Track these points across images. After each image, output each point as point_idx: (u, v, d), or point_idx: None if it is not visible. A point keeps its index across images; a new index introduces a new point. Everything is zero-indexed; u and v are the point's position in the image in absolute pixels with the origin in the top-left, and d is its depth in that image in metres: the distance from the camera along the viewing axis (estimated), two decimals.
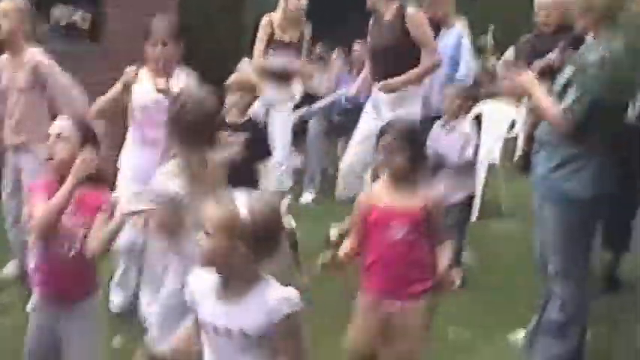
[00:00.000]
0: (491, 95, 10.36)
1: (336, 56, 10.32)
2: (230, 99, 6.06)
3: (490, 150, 8.49)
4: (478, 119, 8.18)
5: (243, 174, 5.54)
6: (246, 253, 3.03)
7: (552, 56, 6.43)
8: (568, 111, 4.78)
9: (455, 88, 6.88)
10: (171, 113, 4.37)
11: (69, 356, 4.13)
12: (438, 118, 6.95)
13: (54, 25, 9.03)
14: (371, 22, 7.30)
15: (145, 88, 5.59)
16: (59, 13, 9.03)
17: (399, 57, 7.01)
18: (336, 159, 10.02)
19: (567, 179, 4.92)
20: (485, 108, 8.96)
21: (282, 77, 8.19)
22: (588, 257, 5.17)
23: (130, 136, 5.76)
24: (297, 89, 10.88)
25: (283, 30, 8.20)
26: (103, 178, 4.16)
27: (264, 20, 8.22)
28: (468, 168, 6.75)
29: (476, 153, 6.83)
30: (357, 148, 7.37)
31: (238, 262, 3.05)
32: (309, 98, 10.27)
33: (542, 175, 5.08)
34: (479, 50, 12.53)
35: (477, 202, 8.09)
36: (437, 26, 7.59)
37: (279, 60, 8.13)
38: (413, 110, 6.95)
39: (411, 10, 6.98)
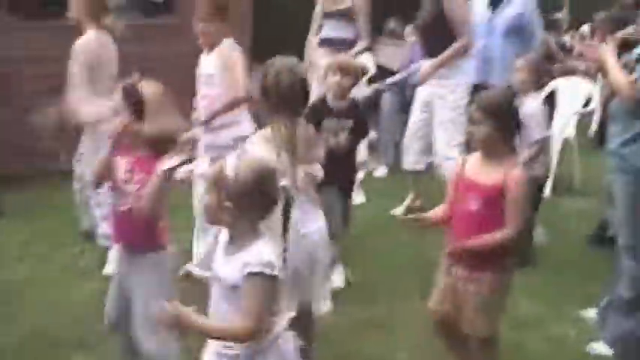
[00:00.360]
0: (567, 71, 10.29)
1: (409, 31, 10.28)
2: (330, 80, 5.99)
3: (565, 125, 8.43)
4: (552, 95, 8.14)
5: (348, 159, 5.85)
6: (233, 210, 3.28)
7: (630, 29, 6.34)
8: (638, 83, 4.75)
9: (527, 62, 6.64)
10: (265, 82, 4.37)
11: (135, 309, 4.25)
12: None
13: None
14: None
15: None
16: None
17: (437, 33, 7.14)
18: None
19: (637, 153, 4.90)
20: (560, 84, 8.88)
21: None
22: None
23: None
24: (370, 63, 10.95)
25: (330, 1, 8.13)
26: (163, 143, 4.16)
27: None
28: (537, 145, 6.51)
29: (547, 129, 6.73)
30: (415, 116, 7.54)
31: (228, 217, 3.32)
32: (382, 73, 10.28)
33: (613, 150, 5.06)
34: (554, 25, 12.47)
35: (550, 179, 8.06)
36: None
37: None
38: (459, 81, 7.17)
39: None
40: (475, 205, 4.22)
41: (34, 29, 8.14)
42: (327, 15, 8.09)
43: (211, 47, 5.88)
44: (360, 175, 8.04)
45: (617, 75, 4.91)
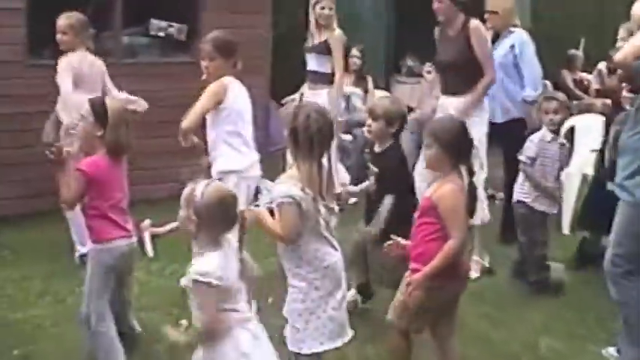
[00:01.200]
0: (584, 108, 10.31)
1: (428, 68, 10.33)
2: (373, 126, 6.03)
3: (585, 162, 8.42)
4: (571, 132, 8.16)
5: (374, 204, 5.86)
6: (198, 225, 4.00)
7: None
8: None
9: (556, 102, 6.86)
10: (295, 124, 4.55)
11: None
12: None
13: (152, 37, 9.29)
14: (437, 33, 7.42)
15: None
16: (156, 25, 9.26)
17: (462, 72, 7.16)
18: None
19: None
20: (578, 120, 8.89)
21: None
22: None
23: None
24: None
25: (312, 35, 8.52)
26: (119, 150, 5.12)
27: None
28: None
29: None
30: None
31: (194, 229, 4.03)
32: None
33: (618, 183, 5.25)
34: (570, 62, 12.50)
35: (569, 214, 8.06)
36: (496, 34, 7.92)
37: None
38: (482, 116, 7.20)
39: (474, 22, 7.10)
40: (416, 216, 4.82)
41: None
42: (307, 50, 8.51)
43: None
44: None
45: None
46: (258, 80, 9.38)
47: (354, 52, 10.51)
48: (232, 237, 4.17)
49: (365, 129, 6.15)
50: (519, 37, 7.97)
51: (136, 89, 7.64)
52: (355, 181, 7.94)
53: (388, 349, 5.25)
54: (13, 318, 6.11)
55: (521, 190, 6.88)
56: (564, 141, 6.97)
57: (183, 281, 4.01)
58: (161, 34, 9.35)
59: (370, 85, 10.78)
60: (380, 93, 11.13)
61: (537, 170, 6.77)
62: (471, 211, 4.81)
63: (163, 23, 9.35)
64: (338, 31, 8.42)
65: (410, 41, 11.92)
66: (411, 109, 10.20)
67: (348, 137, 9.70)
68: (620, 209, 5.24)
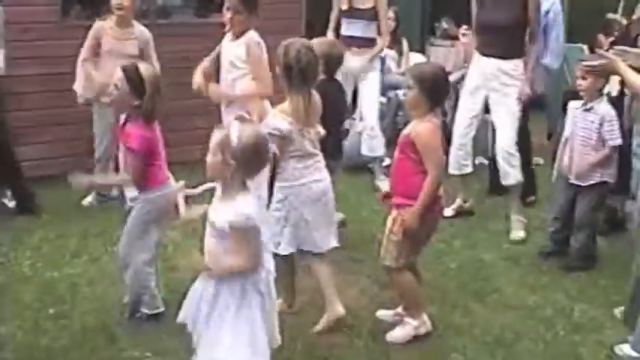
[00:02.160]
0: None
1: (463, 31, 10.26)
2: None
3: None
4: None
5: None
6: (235, 168, 3.98)
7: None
8: None
9: (585, 66, 6.45)
10: (287, 59, 5.12)
11: None
12: None
13: None
14: None
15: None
16: None
17: (516, 33, 7.17)
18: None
19: None
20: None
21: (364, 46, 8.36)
22: None
23: None
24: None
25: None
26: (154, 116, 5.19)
27: None
28: (609, 153, 6.48)
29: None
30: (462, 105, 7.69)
31: (229, 174, 4.01)
32: None
33: (634, 149, 5.25)
34: (605, 27, 12.33)
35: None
36: None
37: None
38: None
39: None
40: (397, 153, 5.17)
41: None
42: (350, 13, 8.32)
43: (238, 36, 6.26)
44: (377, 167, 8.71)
45: (633, 76, 5.18)
46: (295, 26, 9.36)
47: (390, 13, 10.44)
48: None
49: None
50: (554, 3, 7.90)
51: (170, 50, 7.67)
52: (388, 143, 8.01)
53: (399, 293, 5.48)
54: (49, 277, 6.17)
55: None
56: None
57: (219, 222, 4.01)
58: None
59: (405, 47, 10.76)
60: (415, 55, 11.09)
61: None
62: (445, 150, 5.33)
63: None
64: None
65: (445, 3, 11.84)
66: (448, 73, 10.14)
67: (382, 99, 9.67)
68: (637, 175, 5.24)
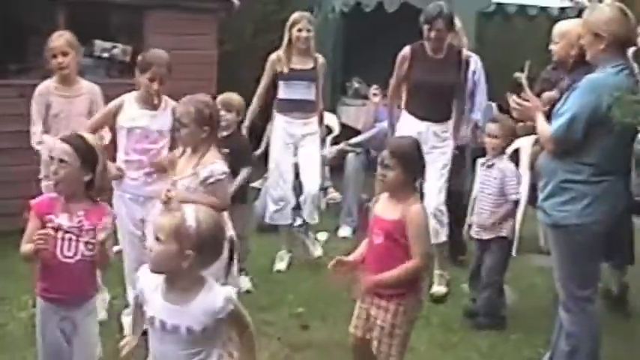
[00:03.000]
0: (529, 130, 10.40)
1: (374, 90, 10.39)
2: (229, 116, 7.11)
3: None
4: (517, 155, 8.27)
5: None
6: (192, 258, 3.56)
7: (554, 93, 6.44)
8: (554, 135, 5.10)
9: (497, 125, 6.85)
10: (201, 116, 5.31)
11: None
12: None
13: (96, 58, 9.25)
14: (407, 55, 7.43)
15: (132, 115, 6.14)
16: (101, 46, 9.25)
17: (449, 96, 7.44)
18: (374, 193, 10.11)
19: (555, 207, 5.17)
20: (523, 143, 8.98)
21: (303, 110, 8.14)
22: (590, 284, 5.32)
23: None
24: (335, 124, 11.03)
25: (290, 61, 8.08)
26: (104, 192, 4.72)
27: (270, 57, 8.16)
28: (509, 206, 6.72)
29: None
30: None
31: (185, 266, 3.57)
32: (346, 132, 10.37)
33: (538, 205, 5.39)
34: (514, 86, 12.67)
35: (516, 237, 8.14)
36: None
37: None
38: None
39: (470, 56, 7.50)
40: (379, 239, 4.78)
41: None
42: (290, 76, 8.07)
43: (158, 104, 6.14)
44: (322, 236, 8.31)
45: (543, 127, 5.25)
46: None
47: None
48: None
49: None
50: (478, 63, 8.11)
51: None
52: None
53: None
54: None
55: None
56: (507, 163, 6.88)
57: (195, 323, 3.62)
58: (105, 55, 9.34)
59: None
60: (326, 115, 11.18)
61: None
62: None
63: (108, 44, 9.34)
64: (322, 57, 8.23)
65: (356, 63, 12.01)
66: (357, 132, 10.26)
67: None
68: (548, 232, 5.37)
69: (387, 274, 4.69)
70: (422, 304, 5.08)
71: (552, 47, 6.76)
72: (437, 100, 7.35)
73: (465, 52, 7.48)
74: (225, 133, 6.83)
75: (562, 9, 11.09)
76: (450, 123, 7.47)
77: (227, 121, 6.98)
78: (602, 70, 5.05)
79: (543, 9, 11.73)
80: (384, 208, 4.86)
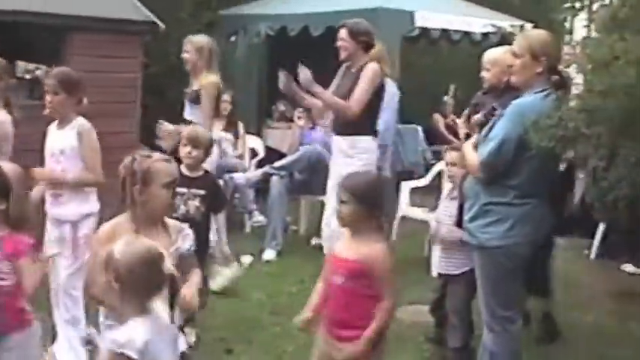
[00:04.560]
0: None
1: (299, 114, 10.53)
2: (182, 150, 6.35)
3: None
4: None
5: (199, 228, 5.62)
6: (118, 290, 3.61)
7: (481, 115, 6.58)
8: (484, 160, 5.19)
9: (458, 153, 6.46)
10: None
11: None
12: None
13: (18, 79, 9.24)
14: (340, 73, 7.64)
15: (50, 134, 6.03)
16: (23, 67, 9.25)
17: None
18: (299, 217, 10.24)
19: (479, 229, 5.25)
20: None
21: None
22: (513, 304, 5.40)
23: None
24: (260, 147, 11.16)
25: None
26: (23, 221, 4.52)
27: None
28: None
29: None
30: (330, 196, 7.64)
31: (113, 297, 3.66)
32: (271, 156, 10.48)
33: (465, 226, 5.45)
34: (441, 108, 13.05)
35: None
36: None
37: None
38: (367, 159, 7.40)
39: (372, 64, 7.35)
40: (340, 280, 4.57)
41: None
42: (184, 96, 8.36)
43: (63, 122, 5.97)
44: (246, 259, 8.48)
45: (470, 155, 5.33)
46: (128, 123, 9.44)
47: (225, 97, 10.66)
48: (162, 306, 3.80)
49: (184, 154, 6.31)
50: (387, 84, 8.27)
51: None
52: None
53: None
54: None
55: None
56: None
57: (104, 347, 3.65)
58: (28, 76, 9.34)
59: (241, 130, 10.93)
60: (251, 138, 11.32)
61: None
62: None
63: (30, 65, 9.35)
64: (210, 79, 8.24)
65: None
66: (282, 155, 10.38)
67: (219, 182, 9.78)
68: (474, 253, 5.45)
69: (369, 333, 4.51)
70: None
71: (484, 74, 6.87)
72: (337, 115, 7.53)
73: (372, 66, 7.40)
74: (195, 174, 6.32)
75: (484, 34, 11.34)
76: (362, 139, 7.45)
77: (194, 159, 6.33)
78: (529, 95, 5.17)
79: (466, 34, 12.01)
80: (346, 247, 4.68)
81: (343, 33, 7.41)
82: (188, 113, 8.29)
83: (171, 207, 4.73)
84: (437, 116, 13.20)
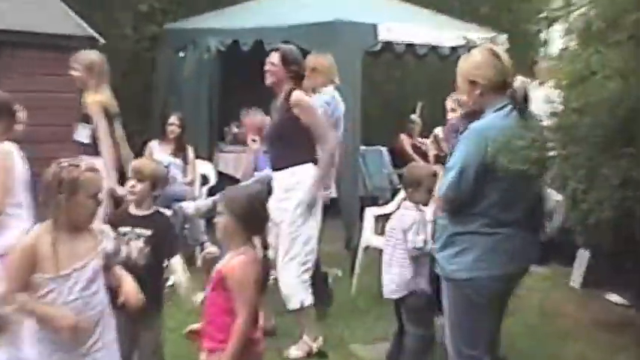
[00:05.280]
0: None
1: (253, 137, 10.49)
2: (139, 187, 6.03)
3: None
4: None
5: (148, 276, 5.61)
6: None
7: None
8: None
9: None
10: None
11: None
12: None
13: None
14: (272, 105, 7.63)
15: None
16: None
17: (284, 140, 7.34)
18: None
19: (447, 259, 5.28)
20: None
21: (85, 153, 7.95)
22: (479, 343, 5.38)
23: None
24: (211, 173, 11.12)
25: None
26: None
27: None
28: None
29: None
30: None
31: None
32: (223, 182, 10.44)
33: (434, 257, 5.49)
34: (408, 127, 13.06)
35: None
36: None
37: None
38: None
39: (296, 93, 7.25)
40: (207, 290, 4.88)
41: None
42: None
43: None
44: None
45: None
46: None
47: (173, 119, 10.64)
48: None
49: (127, 189, 6.12)
50: (334, 97, 8.30)
51: None
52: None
53: None
54: None
55: None
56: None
57: None
58: None
59: (191, 154, 10.87)
60: (202, 163, 11.26)
61: None
62: (263, 285, 4.93)
63: None
64: (97, 98, 8.14)
65: (235, 106, 12.10)
66: (236, 181, 10.34)
67: (166, 212, 9.72)
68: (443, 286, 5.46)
69: (226, 353, 4.71)
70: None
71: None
72: (272, 145, 7.54)
73: (295, 95, 7.26)
74: (142, 212, 6.01)
75: (453, 48, 11.35)
76: (301, 168, 7.33)
77: (139, 195, 5.99)
78: (487, 114, 5.21)
79: (433, 48, 11.96)
80: (224, 259, 4.93)
81: (275, 58, 7.31)
82: (78, 134, 8.17)
83: (94, 215, 4.83)
84: (403, 136, 13.20)
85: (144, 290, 5.08)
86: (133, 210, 6.00)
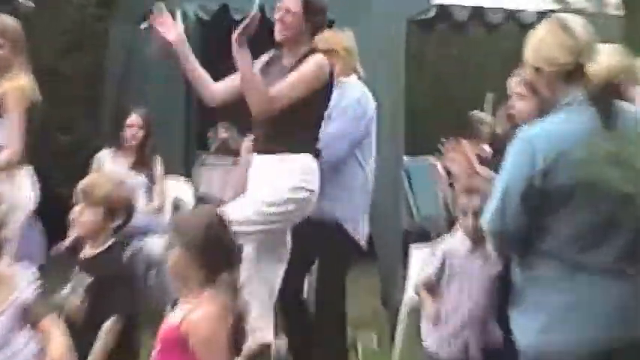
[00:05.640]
0: None
1: (249, 142, 10.46)
2: (73, 212, 6.19)
3: None
4: None
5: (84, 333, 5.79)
6: None
7: None
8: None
9: None
10: None
11: None
12: None
13: None
14: (258, 66, 7.57)
15: None
16: None
17: (282, 115, 7.17)
18: None
19: (515, 322, 5.27)
20: None
21: None
22: None
23: None
24: (187, 195, 11.09)
25: None
26: None
27: None
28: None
29: None
30: None
31: None
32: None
33: None
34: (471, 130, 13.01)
35: None
36: None
37: None
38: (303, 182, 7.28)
39: (316, 56, 7.26)
40: (157, 349, 4.95)
41: None
42: None
43: None
44: None
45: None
46: None
47: (133, 118, 10.49)
48: None
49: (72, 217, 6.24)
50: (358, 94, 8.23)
51: None
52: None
53: None
54: None
55: None
56: None
57: None
58: None
59: (159, 169, 10.77)
60: (175, 182, 11.17)
61: None
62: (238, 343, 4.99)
63: None
64: (21, 82, 8.09)
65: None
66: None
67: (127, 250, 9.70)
68: None
69: None
70: None
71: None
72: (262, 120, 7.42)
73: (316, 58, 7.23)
74: (92, 250, 6.22)
75: (540, 14, 11.21)
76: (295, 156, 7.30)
77: (88, 226, 6.16)
78: (551, 115, 5.06)
79: (511, 14, 11.88)
80: (178, 308, 4.99)
81: (292, 2, 7.24)
82: None
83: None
84: (465, 142, 13.12)
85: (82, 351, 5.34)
86: (86, 248, 6.17)
